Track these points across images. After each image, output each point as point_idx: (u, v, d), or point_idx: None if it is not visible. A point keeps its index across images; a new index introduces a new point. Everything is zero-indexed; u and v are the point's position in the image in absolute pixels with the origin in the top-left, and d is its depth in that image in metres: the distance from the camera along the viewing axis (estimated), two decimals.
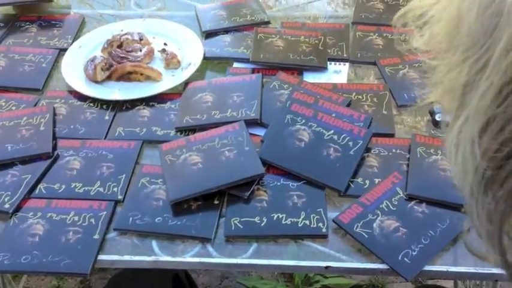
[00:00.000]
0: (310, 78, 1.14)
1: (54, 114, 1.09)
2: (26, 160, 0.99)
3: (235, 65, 1.19)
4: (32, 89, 1.17)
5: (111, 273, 1.84)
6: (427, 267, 0.81)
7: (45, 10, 1.42)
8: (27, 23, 1.36)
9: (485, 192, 0.34)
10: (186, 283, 1.04)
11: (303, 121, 1.00)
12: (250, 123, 1.03)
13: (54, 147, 1.02)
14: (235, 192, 0.91)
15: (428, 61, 0.38)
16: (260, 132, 1.02)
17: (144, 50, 1.20)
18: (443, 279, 1.53)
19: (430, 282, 1.63)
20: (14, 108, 1.12)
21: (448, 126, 0.36)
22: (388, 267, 0.81)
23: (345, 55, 1.20)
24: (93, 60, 1.16)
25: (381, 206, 0.88)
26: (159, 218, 0.89)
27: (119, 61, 1.17)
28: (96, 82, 1.15)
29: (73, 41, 1.28)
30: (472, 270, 0.81)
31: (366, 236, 0.84)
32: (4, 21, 1.37)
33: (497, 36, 0.29)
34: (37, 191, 0.95)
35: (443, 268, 0.81)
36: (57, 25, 1.35)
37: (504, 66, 0.29)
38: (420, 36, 0.38)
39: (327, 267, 0.83)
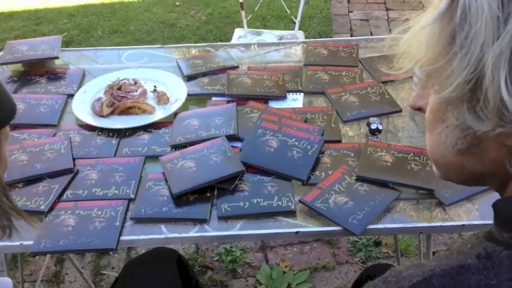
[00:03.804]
0: (274, 104, 1.46)
1: (70, 141, 1.35)
2: (52, 175, 1.24)
3: (214, 98, 1.50)
4: (48, 125, 1.43)
5: None
6: (370, 226, 1.09)
7: (49, 66, 1.71)
8: (37, 77, 1.64)
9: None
10: (187, 265, 1.27)
11: (271, 133, 1.30)
12: (230, 138, 1.32)
13: (74, 165, 1.27)
14: (223, 186, 1.18)
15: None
16: (238, 144, 1.31)
17: (139, 90, 1.49)
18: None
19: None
20: (36, 139, 1.37)
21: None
22: (341, 228, 1.09)
23: (300, 87, 1.53)
24: (99, 99, 1.45)
25: (334, 188, 1.17)
26: (165, 208, 1.15)
27: (120, 100, 1.46)
28: (102, 116, 1.43)
29: (78, 88, 1.56)
30: (401, 225, 1.10)
31: (325, 208, 1.12)
32: (16, 76, 1.65)
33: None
34: (65, 196, 1.19)
35: (381, 226, 1.10)
36: (63, 77, 1.63)
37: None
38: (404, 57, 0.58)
39: (297, 232, 1.10)
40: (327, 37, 3.70)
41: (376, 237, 2.22)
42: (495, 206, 0.55)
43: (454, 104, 0.53)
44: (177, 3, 4.50)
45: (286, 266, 2.19)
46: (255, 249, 2.25)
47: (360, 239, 2.24)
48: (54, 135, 1.38)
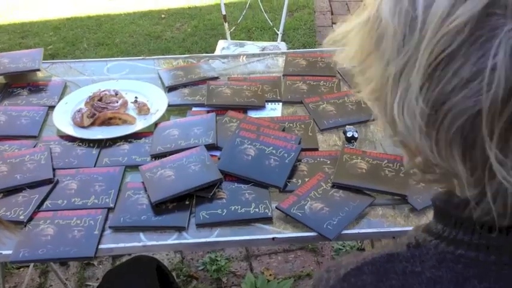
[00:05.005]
0: (252, 114, 1.48)
1: (51, 152, 1.36)
2: (32, 185, 1.25)
3: (194, 108, 1.52)
4: (29, 136, 1.44)
5: None
6: (345, 231, 1.12)
7: (31, 78, 1.72)
8: (19, 89, 1.65)
9: (428, 129, 0.47)
10: (168, 273, 1.29)
11: (249, 142, 1.33)
12: (209, 147, 1.34)
13: (54, 175, 1.29)
14: (201, 194, 1.20)
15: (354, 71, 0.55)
16: (217, 153, 1.33)
17: (120, 101, 1.51)
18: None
19: None
20: (16, 150, 1.38)
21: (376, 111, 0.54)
22: (316, 233, 1.11)
23: (278, 97, 1.56)
24: (79, 110, 1.46)
25: (310, 194, 1.20)
26: (144, 216, 1.16)
27: (100, 111, 1.47)
28: (83, 127, 1.44)
29: (59, 100, 1.58)
30: (375, 230, 1.12)
31: (300, 215, 1.15)
32: None
33: (412, 43, 0.45)
34: (44, 206, 1.21)
35: (356, 231, 1.12)
36: (44, 89, 1.65)
37: (426, 57, 0.45)
38: (340, 53, 0.57)
39: (273, 239, 1.12)
40: (311, 48, 3.74)
41: (360, 244, 2.25)
42: (433, 200, 0.57)
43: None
44: (163, 16, 4.53)
45: (270, 275, 2.20)
46: (239, 258, 2.26)
47: (343, 246, 2.27)
48: (34, 146, 1.40)
